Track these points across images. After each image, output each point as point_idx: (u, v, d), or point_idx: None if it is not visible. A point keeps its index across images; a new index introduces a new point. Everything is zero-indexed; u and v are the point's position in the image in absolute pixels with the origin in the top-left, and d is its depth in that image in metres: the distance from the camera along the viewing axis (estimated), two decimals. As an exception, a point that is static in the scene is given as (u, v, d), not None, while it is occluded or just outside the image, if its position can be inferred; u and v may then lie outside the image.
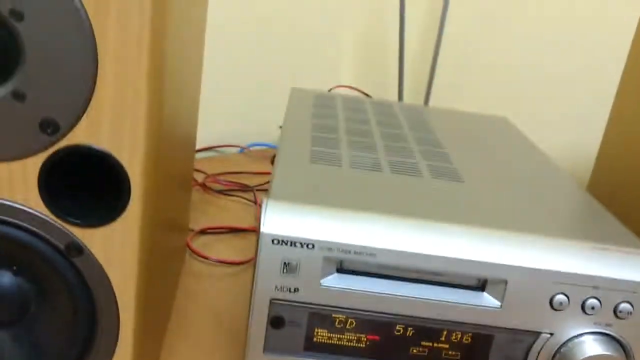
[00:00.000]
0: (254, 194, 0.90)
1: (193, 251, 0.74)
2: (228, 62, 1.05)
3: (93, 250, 0.41)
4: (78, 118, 0.37)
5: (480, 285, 0.42)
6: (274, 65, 1.09)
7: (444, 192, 0.48)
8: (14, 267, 0.43)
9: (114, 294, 0.42)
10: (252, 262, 0.73)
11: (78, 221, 0.40)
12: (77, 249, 0.40)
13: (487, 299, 0.42)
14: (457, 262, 0.40)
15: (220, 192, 0.90)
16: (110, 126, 0.38)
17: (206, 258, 0.73)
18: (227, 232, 0.79)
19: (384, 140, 0.59)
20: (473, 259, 0.40)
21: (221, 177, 0.93)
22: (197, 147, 1.02)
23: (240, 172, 0.96)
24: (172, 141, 0.48)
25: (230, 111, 1.07)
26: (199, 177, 0.93)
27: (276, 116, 1.04)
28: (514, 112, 0.90)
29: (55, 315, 0.43)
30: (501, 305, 0.41)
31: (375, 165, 0.51)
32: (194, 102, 0.63)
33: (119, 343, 0.43)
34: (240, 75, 1.07)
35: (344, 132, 0.59)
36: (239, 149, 1.06)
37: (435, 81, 1.04)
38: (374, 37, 1.16)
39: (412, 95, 1.14)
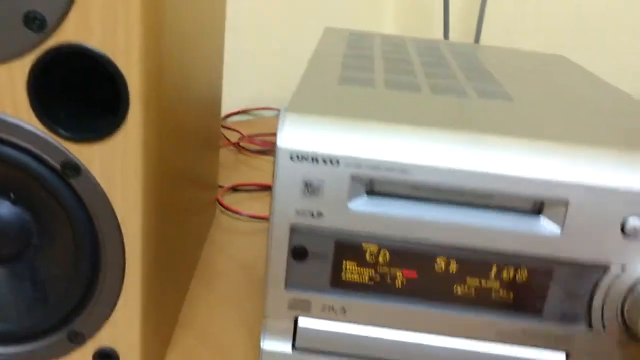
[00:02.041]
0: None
1: (224, 206, 0.70)
2: (265, 24, 1.00)
3: (92, 170, 0.36)
4: (66, 12, 0.33)
5: (536, 209, 0.36)
6: (312, 27, 1.03)
7: (491, 108, 0.42)
8: (11, 195, 0.39)
9: (117, 221, 0.37)
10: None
11: (73, 135, 0.36)
12: (74, 168, 0.36)
13: (545, 225, 0.35)
14: (508, 179, 0.34)
15: (254, 152, 0.86)
16: (102, 21, 0.33)
17: (237, 213, 0.69)
18: (259, 190, 0.75)
19: (424, 67, 0.53)
20: (526, 176, 0.34)
21: (256, 138, 0.89)
22: (233, 109, 0.99)
23: (275, 134, 0.91)
24: (181, 69, 0.43)
25: (267, 73, 1.03)
26: (234, 137, 0.89)
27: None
28: (574, 52, 0.81)
29: (56, 249, 0.39)
30: (561, 232, 0.35)
31: (414, 86, 0.45)
32: (215, 49, 0.59)
33: (125, 279, 0.39)
34: (276, 37, 1.02)
35: (380, 60, 0.53)
36: (275, 112, 1.01)
37: (485, 19, 0.96)
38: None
39: (460, 38, 1.07)
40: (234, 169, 0.80)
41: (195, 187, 0.55)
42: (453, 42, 0.70)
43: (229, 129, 0.92)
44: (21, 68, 0.34)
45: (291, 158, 0.35)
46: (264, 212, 0.69)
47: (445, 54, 0.60)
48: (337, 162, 0.35)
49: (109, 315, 0.40)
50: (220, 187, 0.73)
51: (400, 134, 0.35)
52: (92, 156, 0.36)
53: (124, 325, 0.40)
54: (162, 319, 0.45)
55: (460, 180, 0.34)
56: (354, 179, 0.35)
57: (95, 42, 0.34)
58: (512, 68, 0.57)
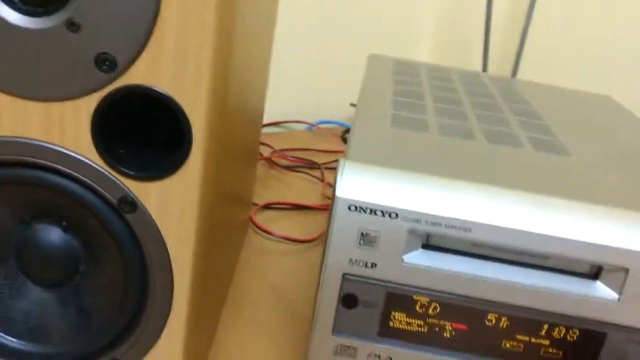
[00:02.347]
0: (322, 171, 0.85)
1: (256, 225, 0.70)
2: (299, 35, 1.00)
3: (148, 207, 0.36)
4: (137, 54, 0.33)
5: (593, 273, 0.35)
6: (347, 39, 1.03)
7: (550, 164, 0.41)
8: (64, 223, 0.39)
9: (168, 256, 0.37)
10: (316, 240, 0.68)
11: (133, 173, 0.36)
12: (131, 204, 0.36)
13: (602, 290, 0.35)
14: (567, 242, 0.34)
15: (286, 167, 0.86)
16: (173, 66, 0.33)
17: (269, 233, 0.69)
18: (291, 209, 0.75)
19: (475, 108, 0.52)
20: (587, 241, 0.34)
21: (288, 153, 0.89)
22: (264, 121, 0.98)
23: (308, 149, 0.91)
24: (238, 99, 0.43)
25: (299, 86, 1.03)
26: (265, 152, 0.89)
27: (347, 93, 0.99)
28: (610, 90, 0.81)
29: (104, 277, 0.39)
30: (619, 298, 0.35)
31: (468, 133, 0.45)
32: (263, 68, 0.58)
33: (171, 313, 0.39)
34: (311, 49, 1.02)
35: (430, 99, 0.53)
36: (307, 125, 1.01)
37: (524, 54, 0.96)
38: (456, 4, 1.09)
39: (496, 70, 1.06)
40: (266, 185, 0.80)
41: (235, 206, 0.54)
42: (495, 75, 0.70)
43: (261, 143, 0.92)
44: (87, 106, 0.34)
45: (349, 208, 0.34)
46: (294, 233, 0.69)
47: (492, 91, 0.60)
48: (396, 215, 0.34)
49: (153, 345, 0.40)
50: (255, 205, 0.73)
51: (461, 190, 0.35)
52: (149, 193, 0.36)
53: (166, 355, 0.40)
54: (202, 347, 0.45)
55: (519, 240, 0.34)
56: (411, 232, 0.35)
57: (163, 84, 0.34)
58: (560, 110, 0.57)
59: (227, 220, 0.50)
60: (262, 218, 0.72)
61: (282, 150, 0.89)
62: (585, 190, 0.37)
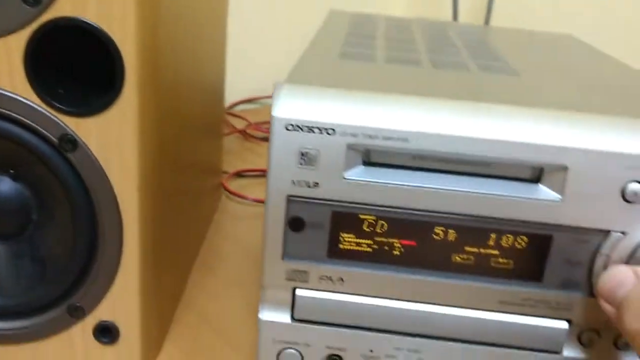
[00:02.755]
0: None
1: (230, 191, 0.70)
2: (272, 12, 1.00)
3: (89, 144, 0.37)
4: (60, -16, 0.33)
5: (536, 177, 0.35)
6: (321, 14, 1.03)
7: (494, 81, 0.41)
8: (12, 171, 0.39)
9: (114, 195, 0.38)
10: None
11: (70, 109, 0.36)
12: (72, 142, 0.36)
13: (544, 192, 0.35)
14: (506, 145, 0.34)
15: (262, 139, 0.86)
16: (98, -6, 0.33)
17: (242, 197, 0.69)
18: (264, 175, 0.75)
19: (428, 45, 0.53)
20: (525, 141, 0.34)
21: (263, 125, 0.89)
22: (240, 98, 0.99)
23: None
24: (179, 49, 0.43)
25: (275, 62, 1.02)
26: (240, 125, 0.89)
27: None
28: (585, 34, 0.80)
29: (56, 225, 0.40)
30: (561, 198, 0.34)
31: (415, 62, 0.45)
32: (217, 39, 0.59)
33: (123, 254, 0.39)
34: (284, 26, 1.02)
35: (382, 38, 0.53)
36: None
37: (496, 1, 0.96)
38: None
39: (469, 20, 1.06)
40: (240, 156, 0.80)
41: (197, 171, 0.55)
42: (461, 23, 0.70)
43: (235, 116, 0.92)
44: (18, 42, 0.34)
45: (286, 128, 0.34)
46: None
47: (451, 34, 0.60)
48: (333, 130, 0.34)
49: (108, 289, 0.40)
50: (225, 172, 0.73)
51: (397, 102, 0.35)
52: (89, 130, 0.36)
53: (122, 299, 0.40)
54: (163, 297, 0.45)
55: (459, 146, 0.34)
56: (350, 148, 0.35)
57: (90, 15, 0.34)
58: (519, 46, 0.57)
59: (187, 181, 0.51)
60: (236, 185, 0.72)
61: (257, 123, 0.89)
62: (525, 98, 0.37)
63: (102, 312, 0.40)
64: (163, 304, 0.45)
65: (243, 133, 0.87)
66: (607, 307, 0.32)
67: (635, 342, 0.30)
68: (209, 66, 0.56)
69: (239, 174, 0.74)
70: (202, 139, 0.57)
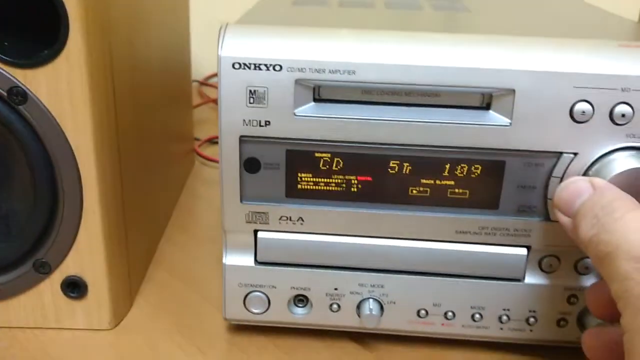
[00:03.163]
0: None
1: (203, 157, 0.70)
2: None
3: (39, 95, 0.36)
4: None
5: (485, 103, 0.35)
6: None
7: (444, 17, 0.41)
8: (-33, 131, 0.39)
9: (70, 148, 0.38)
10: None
11: (17, 61, 0.36)
12: (21, 94, 0.36)
13: (494, 117, 0.35)
14: (453, 71, 0.34)
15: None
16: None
17: (216, 162, 0.69)
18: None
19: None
20: (471, 67, 0.34)
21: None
22: (215, 70, 0.98)
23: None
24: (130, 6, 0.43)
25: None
26: (215, 95, 0.89)
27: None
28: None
29: (14, 182, 0.40)
30: (511, 122, 0.35)
31: (368, 4, 0.45)
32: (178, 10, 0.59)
33: (84, 206, 0.39)
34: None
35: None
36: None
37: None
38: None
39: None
40: (214, 123, 0.80)
41: (162, 134, 0.55)
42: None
43: (211, 86, 0.92)
44: (-43, -8, 0.34)
45: (233, 66, 0.34)
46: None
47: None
48: (280, 67, 0.34)
49: (72, 243, 0.40)
50: (198, 140, 0.73)
51: (342, 36, 0.35)
52: (38, 82, 0.36)
53: (88, 253, 0.40)
54: (133, 254, 0.45)
55: (405, 76, 0.34)
56: (299, 84, 0.35)
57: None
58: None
59: (153, 144, 0.51)
60: (210, 151, 0.72)
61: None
62: (471, 29, 0.37)
63: (69, 267, 0.41)
64: (133, 260, 0.45)
65: (216, 102, 0.86)
66: (564, 219, 0.32)
67: (590, 250, 0.30)
68: (171, 34, 0.56)
69: (212, 141, 0.75)
70: (168, 104, 0.57)
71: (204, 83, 0.93)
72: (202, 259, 0.51)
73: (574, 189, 0.32)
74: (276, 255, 0.39)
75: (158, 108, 0.52)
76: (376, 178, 0.37)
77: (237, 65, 0.35)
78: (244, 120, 0.36)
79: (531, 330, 0.39)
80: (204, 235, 0.55)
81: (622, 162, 0.34)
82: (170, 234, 0.55)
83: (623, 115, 0.34)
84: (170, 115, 0.58)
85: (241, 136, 0.36)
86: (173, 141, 0.59)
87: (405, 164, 0.36)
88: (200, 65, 0.83)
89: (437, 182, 0.37)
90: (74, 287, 0.41)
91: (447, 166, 0.36)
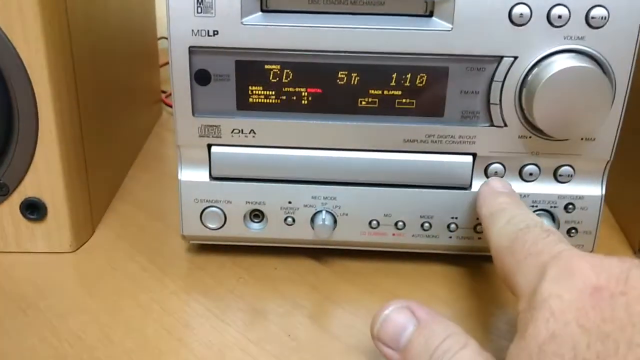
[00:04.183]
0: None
1: (171, 106, 0.71)
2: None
3: (-11, 10, 0.37)
4: None
5: (429, 10, 0.36)
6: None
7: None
8: None
9: (23, 64, 0.38)
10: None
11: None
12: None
13: (436, 22, 0.36)
14: (394, -22, 0.35)
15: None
16: None
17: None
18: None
19: None
20: (412, -27, 0.35)
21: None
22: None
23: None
24: None
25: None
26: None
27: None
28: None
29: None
30: (452, 27, 0.36)
31: None
32: None
33: (40, 126, 0.40)
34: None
35: None
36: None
37: None
38: None
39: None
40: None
41: (125, 80, 0.55)
42: None
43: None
44: None
45: (181, -24, 0.35)
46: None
47: None
48: (226, -25, 0.35)
49: (29, 164, 0.41)
50: (164, 92, 0.74)
51: (286, -56, 0.36)
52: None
53: (45, 173, 0.41)
54: (93, 181, 0.46)
55: (349, -17, 0.35)
56: (246, -7, 0.35)
57: None
58: None
59: (113, 83, 0.51)
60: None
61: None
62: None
63: (27, 189, 0.41)
64: (94, 188, 0.46)
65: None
66: (389, 353, 0.30)
67: None
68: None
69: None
70: (131, 55, 0.57)
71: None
72: (166, 193, 0.52)
73: (396, 323, 0.30)
74: (230, 169, 0.40)
75: (117, 57, 0.52)
76: (326, 89, 0.38)
77: (183, -26, 0.35)
78: (193, 31, 0.36)
79: (479, 238, 0.41)
80: (168, 173, 0.55)
81: (561, 63, 0.35)
82: (134, 173, 0.55)
83: (560, 17, 0.35)
84: (132, 65, 0.58)
85: (190, 46, 0.37)
86: (136, 89, 0.60)
87: (354, 74, 0.37)
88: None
89: (385, 92, 0.38)
90: (34, 209, 0.42)
91: (394, 76, 0.37)
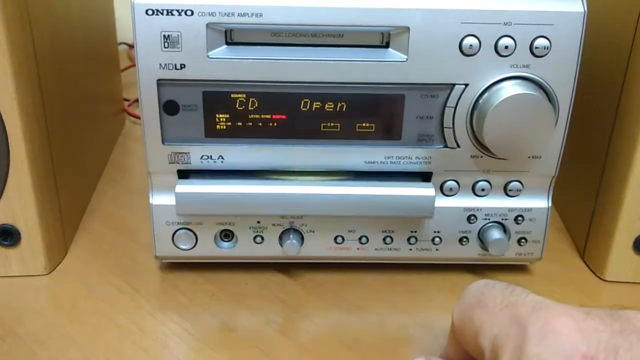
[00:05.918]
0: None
1: (133, 116, 0.71)
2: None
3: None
4: None
5: (385, 42, 0.38)
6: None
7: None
8: None
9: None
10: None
11: None
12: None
13: (392, 54, 0.38)
14: (354, 12, 0.37)
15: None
16: None
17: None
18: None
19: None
20: (370, 7, 0.37)
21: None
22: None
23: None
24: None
25: None
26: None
27: None
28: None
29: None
30: (407, 58, 0.38)
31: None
32: None
33: (11, 152, 0.41)
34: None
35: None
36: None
37: None
38: None
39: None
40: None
41: (89, 94, 0.56)
42: None
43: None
44: None
45: (147, 12, 0.36)
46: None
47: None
48: (191, 12, 0.36)
49: (2, 193, 0.41)
50: (127, 100, 0.74)
51: (249, -20, 0.37)
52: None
53: (18, 200, 0.42)
54: (65, 203, 0.47)
55: (309, 17, 0.37)
56: (211, 28, 0.37)
57: None
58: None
59: (81, 100, 0.52)
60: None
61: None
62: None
63: (0, 216, 0.42)
64: (65, 210, 0.47)
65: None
66: None
67: None
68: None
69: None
70: (93, 65, 0.58)
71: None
72: (134, 209, 0.53)
73: None
74: (195, 208, 0.41)
75: (81, 69, 0.53)
76: (290, 116, 0.40)
77: (150, 12, 0.36)
78: (160, 64, 0.38)
79: (437, 250, 0.44)
80: (135, 187, 0.56)
81: (508, 90, 0.38)
82: (102, 188, 0.56)
83: (506, 47, 0.38)
84: (96, 75, 0.59)
85: (158, 79, 0.38)
86: (100, 100, 0.61)
87: (315, 103, 0.39)
88: (128, 29, 0.84)
89: (346, 117, 0.40)
90: (7, 235, 0.43)
91: (354, 103, 0.39)
